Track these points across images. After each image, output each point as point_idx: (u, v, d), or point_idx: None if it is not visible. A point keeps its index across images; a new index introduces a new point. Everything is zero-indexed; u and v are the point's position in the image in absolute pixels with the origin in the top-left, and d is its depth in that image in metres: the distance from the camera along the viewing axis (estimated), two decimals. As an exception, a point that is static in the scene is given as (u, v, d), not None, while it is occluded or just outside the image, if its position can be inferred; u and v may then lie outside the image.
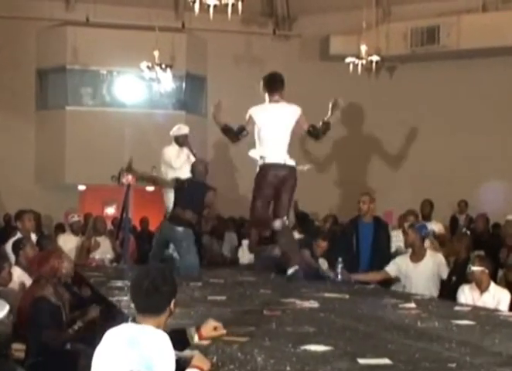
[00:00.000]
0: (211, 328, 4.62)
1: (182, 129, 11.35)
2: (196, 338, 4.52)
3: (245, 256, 12.38)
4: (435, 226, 11.00)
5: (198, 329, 4.55)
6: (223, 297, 7.15)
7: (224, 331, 4.76)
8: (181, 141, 11.14)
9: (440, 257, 9.28)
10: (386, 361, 4.80)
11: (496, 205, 12.98)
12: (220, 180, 14.44)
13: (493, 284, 8.02)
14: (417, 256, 9.02)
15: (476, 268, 7.92)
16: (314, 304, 7.48)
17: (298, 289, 8.69)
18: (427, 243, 9.67)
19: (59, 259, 7.07)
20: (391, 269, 9.15)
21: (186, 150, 11.05)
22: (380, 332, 6.10)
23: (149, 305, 3.71)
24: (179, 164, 10.94)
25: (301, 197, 11.97)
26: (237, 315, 6.51)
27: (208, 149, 16.01)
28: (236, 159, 15.88)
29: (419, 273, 9.02)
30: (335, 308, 7.10)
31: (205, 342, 4.74)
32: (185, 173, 10.53)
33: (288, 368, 4.53)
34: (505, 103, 15.07)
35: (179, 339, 4.31)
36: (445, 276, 9.12)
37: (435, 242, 10.45)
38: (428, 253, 9.14)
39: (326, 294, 8.05)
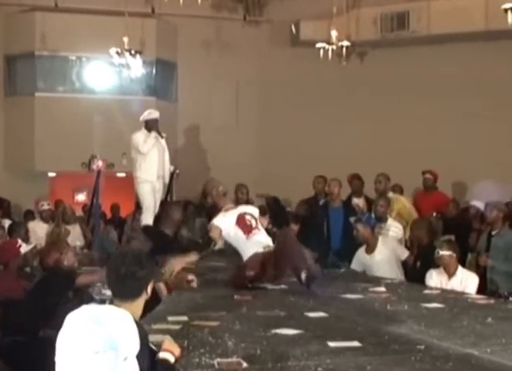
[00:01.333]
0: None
1: (152, 114, 11.22)
2: (165, 292, 4.54)
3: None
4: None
5: (166, 283, 4.57)
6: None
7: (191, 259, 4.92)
8: (150, 125, 11.01)
9: (391, 242, 9.53)
10: (355, 343, 4.88)
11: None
12: (190, 165, 14.49)
13: (460, 268, 8.12)
14: (371, 247, 9.27)
15: (444, 253, 8.00)
16: (285, 288, 7.58)
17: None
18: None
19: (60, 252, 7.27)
20: (355, 265, 9.38)
21: (154, 134, 10.93)
22: (350, 316, 6.19)
23: (126, 291, 3.71)
24: (146, 149, 10.83)
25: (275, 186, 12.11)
26: (207, 300, 6.56)
27: (178, 135, 16.00)
28: (206, 144, 15.91)
29: (377, 262, 9.22)
30: (306, 291, 7.17)
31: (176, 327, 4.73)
32: (152, 158, 10.76)
33: (258, 351, 4.60)
34: (474, 88, 15.14)
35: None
36: (403, 256, 9.34)
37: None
38: (380, 241, 9.35)
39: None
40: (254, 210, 8.56)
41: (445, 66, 15.35)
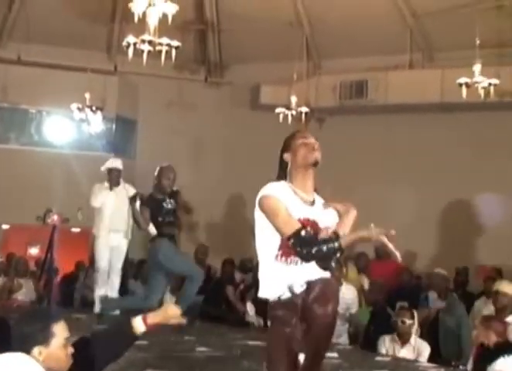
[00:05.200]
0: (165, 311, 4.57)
1: (110, 163, 10.68)
2: (142, 327, 4.38)
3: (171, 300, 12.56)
4: None
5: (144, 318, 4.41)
6: (145, 342, 7.08)
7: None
8: (109, 175, 10.46)
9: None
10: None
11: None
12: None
13: (414, 336, 8.15)
14: None
15: (399, 319, 8.06)
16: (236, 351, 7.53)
17: (222, 335, 8.74)
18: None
19: None
20: None
21: (106, 185, 10.43)
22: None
23: None
24: (95, 202, 10.31)
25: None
26: (157, 360, 6.47)
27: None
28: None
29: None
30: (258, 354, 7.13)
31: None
32: (103, 212, 10.32)
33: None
34: (427, 158, 15.34)
35: (123, 333, 4.34)
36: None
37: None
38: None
39: (250, 342, 8.09)
40: None
41: (400, 135, 15.57)
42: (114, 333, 4.44)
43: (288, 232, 4.48)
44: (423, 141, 15.41)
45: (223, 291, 11.84)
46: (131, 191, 10.19)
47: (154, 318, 4.41)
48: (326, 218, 4.82)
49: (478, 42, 12.70)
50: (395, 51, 15.30)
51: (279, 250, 4.60)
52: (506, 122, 14.87)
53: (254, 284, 11.16)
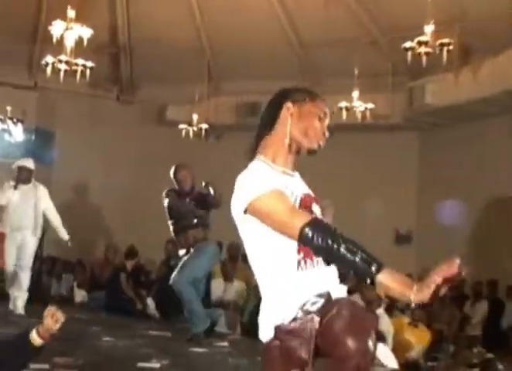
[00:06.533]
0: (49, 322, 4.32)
1: (19, 162, 9.73)
2: (38, 341, 3.99)
3: (79, 295, 12.54)
4: None
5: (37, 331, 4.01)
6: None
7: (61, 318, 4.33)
8: (21, 173, 9.46)
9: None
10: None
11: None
12: (65, 226, 14.18)
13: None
14: None
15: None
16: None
17: (126, 326, 8.65)
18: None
19: None
20: None
21: (11, 183, 9.46)
22: (194, 367, 6.14)
23: None
24: (2, 200, 9.38)
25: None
26: (64, 349, 6.33)
27: (53, 194, 15.63)
28: (78, 207, 15.61)
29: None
30: (157, 344, 7.08)
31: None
32: (8, 209, 9.41)
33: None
34: (307, 172, 15.48)
35: (23, 345, 4.13)
36: None
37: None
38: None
39: (151, 332, 8.03)
40: None
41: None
42: (15, 346, 4.18)
43: (300, 223, 2.80)
44: (317, 159, 15.52)
45: (118, 280, 11.67)
46: (42, 190, 9.61)
47: (44, 328, 4.19)
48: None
49: (356, 71, 12.99)
50: (286, 76, 15.39)
51: (299, 252, 2.92)
52: (380, 141, 15.19)
53: (157, 281, 11.12)
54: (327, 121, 3.06)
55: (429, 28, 10.51)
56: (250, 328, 9.49)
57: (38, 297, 10.01)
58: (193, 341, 7.43)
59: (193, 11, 15.19)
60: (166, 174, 8.16)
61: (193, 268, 7.79)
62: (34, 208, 9.43)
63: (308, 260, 2.89)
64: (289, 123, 3.02)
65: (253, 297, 10.70)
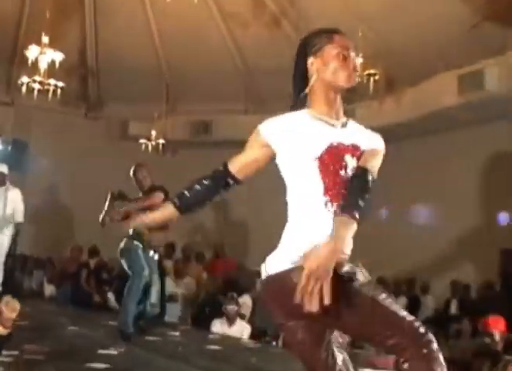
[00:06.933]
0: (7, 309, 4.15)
1: None
2: (2, 330, 4.01)
3: (48, 290, 12.42)
4: None
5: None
6: (26, 322, 6.79)
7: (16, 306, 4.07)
8: None
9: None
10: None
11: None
12: (37, 227, 13.99)
13: (238, 320, 8.20)
14: None
15: (231, 307, 8.07)
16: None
17: (90, 317, 8.49)
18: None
19: None
20: None
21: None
22: (148, 354, 6.04)
23: None
24: None
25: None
26: (33, 337, 6.21)
27: (25, 200, 15.36)
28: (48, 210, 15.34)
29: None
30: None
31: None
32: None
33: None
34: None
35: None
36: None
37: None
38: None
39: (111, 322, 7.90)
40: None
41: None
42: None
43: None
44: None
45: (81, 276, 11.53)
46: (15, 192, 9.17)
47: (3, 318, 3.98)
48: (365, 141, 2.81)
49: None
50: (234, 99, 15.44)
51: (325, 194, 2.56)
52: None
53: (118, 277, 10.92)
54: (353, 54, 2.73)
55: (358, 61, 10.54)
56: (199, 319, 9.44)
57: (11, 291, 9.72)
58: (122, 336, 6.73)
59: (153, 37, 15.14)
60: (127, 181, 7.91)
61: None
62: (3, 208, 9.02)
63: (335, 204, 2.54)
64: (317, 77, 2.74)
65: (202, 292, 10.67)
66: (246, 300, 9.26)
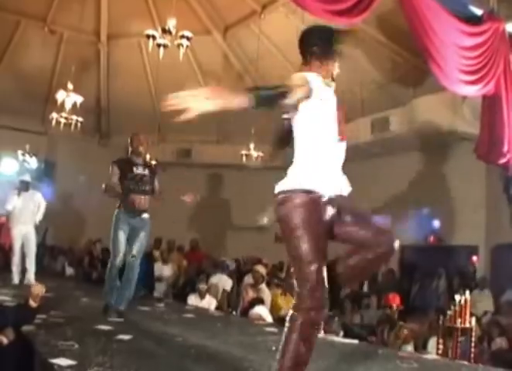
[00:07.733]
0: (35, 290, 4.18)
1: (21, 176, 9.26)
2: (33, 304, 4.12)
3: (68, 271, 12.32)
4: None
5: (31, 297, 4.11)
6: (51, 295, 6.70)
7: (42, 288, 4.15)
8: (21, 184, 8.88)
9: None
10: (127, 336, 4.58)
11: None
12: (59, 225, 13.87)
13: (207, 295, 8.18)
14: None
15: (200, 285, 8.09)
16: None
17: (98, 292, 8.44)
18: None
19: None
20: None
21: (15, 192, 8.83)
22: (139, 325, 5.99)
23: None
24: (8, 206, 8.71)
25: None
26: (57, 305, 6.16)
27: (52, 204, 15.15)
28: (73, 211, 15.18)
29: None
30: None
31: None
32: (15, 210, 8.68)
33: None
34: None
35: (24, 312, 4.08)
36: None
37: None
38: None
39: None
40: None
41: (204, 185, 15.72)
42: (19, 308, 4.15)
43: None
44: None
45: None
46: (39, 196, 9.04)
47: (33, 295, 4.11)
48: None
49: (253, 131, 12.95)
50: (209, 132, 15.45)
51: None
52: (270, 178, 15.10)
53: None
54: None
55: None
56: (179, 295, 9.44)
57: (41, 271, 9.73)
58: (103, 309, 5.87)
59: (150, 87, 15.27)
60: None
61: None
62: (32, 209, 8.90)
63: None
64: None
65: (182, 275, 10.68)
66: (213, 281, 9.32)
